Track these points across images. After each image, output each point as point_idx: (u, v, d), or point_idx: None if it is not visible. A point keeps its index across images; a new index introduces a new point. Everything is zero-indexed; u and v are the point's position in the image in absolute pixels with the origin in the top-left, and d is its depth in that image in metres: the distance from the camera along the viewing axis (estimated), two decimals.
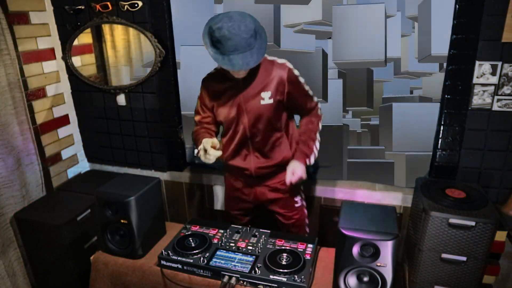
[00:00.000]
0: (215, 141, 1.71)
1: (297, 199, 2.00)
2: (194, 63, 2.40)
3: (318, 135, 1.88)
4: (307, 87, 1.81)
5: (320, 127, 1.89)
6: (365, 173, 2.37)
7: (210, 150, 1.67)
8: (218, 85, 1.80)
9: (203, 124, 1.92)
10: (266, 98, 1.72)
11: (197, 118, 1.95)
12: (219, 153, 1.69)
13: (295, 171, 1.79)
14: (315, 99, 1.87)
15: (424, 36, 2.03)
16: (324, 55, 2.21)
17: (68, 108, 2.66)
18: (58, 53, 2.52)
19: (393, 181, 2.33)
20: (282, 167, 1.87)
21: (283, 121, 1.84)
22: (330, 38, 2.18)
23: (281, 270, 1.54)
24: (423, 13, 2.00)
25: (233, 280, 1.56)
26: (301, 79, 1.78)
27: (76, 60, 2.55)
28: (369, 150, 2.33)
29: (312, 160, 1.85)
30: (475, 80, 1.95)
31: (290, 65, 1.75)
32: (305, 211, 2.06)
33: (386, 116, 2.23)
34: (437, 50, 2.02)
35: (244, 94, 1.74)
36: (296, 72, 1.76)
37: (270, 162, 1.87)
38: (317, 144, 1.88)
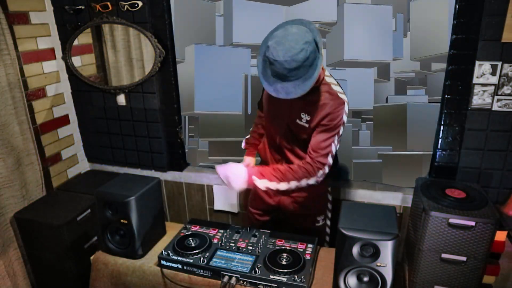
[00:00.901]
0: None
1: (320, 218, 1.95)
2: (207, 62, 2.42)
3: (282, 185, 1.63)
4: (336, 142, 1.60)
5: (296, 185, 1.64)
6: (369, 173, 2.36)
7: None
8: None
9: (258, 124, 2.00)
10: (304, 120, 1.63)
11: (258, 112, 2.03)
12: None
13: (227, 173, 1.63)
14: (329, 160, 1.62)
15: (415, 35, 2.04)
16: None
17: (68, 108, 2.66)
18: (58, 53, 2.52)
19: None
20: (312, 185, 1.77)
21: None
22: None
23: (281, 270, 1.54)
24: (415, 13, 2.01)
25: (233, 280, 1.56)
26: (341, 130, 1.60)
27: (76, 60, 2.55)
28: (367, 150, 2.32)
29: (258, 183, 1.64)
30: (475, 80, 1.95)
31: (346, 107, 1.58)
32: (327, 230, 1.98)
33: (385, 115, 2.23)
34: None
35: (290, 104, 1.63)
36: (344, 118, 1.58)
37: None
38: (273, 185, 1.65)
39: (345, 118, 1.60)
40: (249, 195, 2.12)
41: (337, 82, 1.68)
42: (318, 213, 1.94)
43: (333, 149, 1.63)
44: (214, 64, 2.38)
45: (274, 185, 1.65)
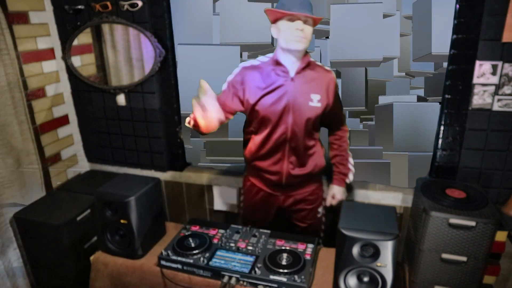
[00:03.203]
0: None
1: (320, 209, 1.98)
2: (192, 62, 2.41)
3: (349, 151, 1.94)
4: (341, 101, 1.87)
5: (349, 140, 1.95)
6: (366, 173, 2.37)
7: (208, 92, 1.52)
8: (265, 77, 1.72)
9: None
10: (315, 100, 1.71)
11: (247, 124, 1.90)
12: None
13: (336, 196, 1.89)
14: (344, 114, 1.93)
15: (419, 35, 2.03)
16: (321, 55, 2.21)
17: (68, 108, 2.66)
18: (58, 53, 2.52)
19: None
20: (312, 177, 1.86)
21: (317, 129, 1.84)
22: (327, 37, 2.18)
23: (281, 270, 1.54)
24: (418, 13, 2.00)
25: (233, 280, 1.56)
26: (339, 92, 1.84)
27: (76, 60, 2.54)
28: (367, 150, 2.33)
29: (351, 178, 1.93)
30: (475, 80, 1.94)
31: (334, 75, 1.80)
32: (323, 219, 2.03)
33: (384, 115, 2.23)
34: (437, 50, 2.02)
35: (294, 92, 1.70)
36: (337, 83, 1.80)
37: (303, 171, 1.82)
38: (351, 160, 1.94)
39: (337, 83, 1.80)
40: (244, 208, 2.05)
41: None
42: (318, 205, 1.97)
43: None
44: (201, 63, 2.37)
45: (352, 162, 1.94)
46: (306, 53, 1.74)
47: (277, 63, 1.70)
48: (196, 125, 1.64)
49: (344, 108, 2.27)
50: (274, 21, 1.66)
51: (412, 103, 2.16)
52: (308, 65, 1.72)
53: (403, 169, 2.29)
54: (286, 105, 1.71)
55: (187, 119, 1.69)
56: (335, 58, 2.19)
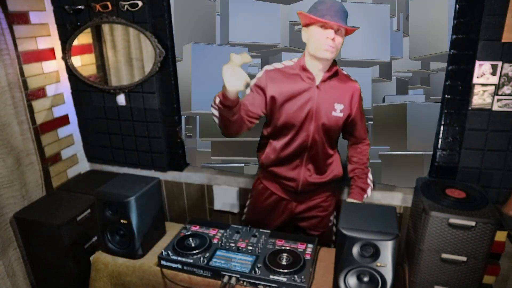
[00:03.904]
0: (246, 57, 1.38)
1: (332, 217, 1.97)
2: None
3: (369, 167, 1.90)
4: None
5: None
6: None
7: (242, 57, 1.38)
8: (290, 81, 1.67)
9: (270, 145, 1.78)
10: (338, 110, 1.69)
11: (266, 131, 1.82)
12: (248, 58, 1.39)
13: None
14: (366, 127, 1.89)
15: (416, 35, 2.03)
16: None
17: (68, 108, 2.66)
18: (58, 53, 2.52)
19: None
20: (328, 184, 1.84)
21: (337, 138, 1.82)
22: None
23: (281, 270, 1.54)
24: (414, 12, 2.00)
25: (233, 280, 1.56)
26: (363, 104, 1.79)
27: (76, 60, 2.54)
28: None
29: (370, 194, 1.89)
30: (475, 80, 1.94)
31: (359, 85, 1.75)
32: (334, 228, 2.00)
33: (391, 115, 2.23)
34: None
35: (318, 99, 1.66)
36: (361, 94, 1.76)
37: (320, 179, 1.80)
38: (371, 175, 1.90)
39: (361, 94, 1.77)
40: (251, 211, 2.01)
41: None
42: (331, 213, 1.95)
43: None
44: (211, 63, 2.37)
45: (371, 177, 1.91)
46: (334, 61, 1.68)
47: (304, 68, 1.64)
48: (224, 100, 1.47)
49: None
50: (306, 25, 1.60)
51: (424, 103, 2.15)
52: (335, 74, 1.69)
53: (417, 169, 2.27)
54: (309, 112, 1.67)
55: (216, 99, 1.53)
56: (340, 57, 2.18)
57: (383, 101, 2.23)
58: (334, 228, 1.99)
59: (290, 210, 1.90)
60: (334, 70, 1.67)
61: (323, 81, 1.66)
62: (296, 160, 1.76)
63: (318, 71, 1.64)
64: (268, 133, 1.78)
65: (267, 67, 1.72)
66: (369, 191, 1.89)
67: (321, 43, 1.55)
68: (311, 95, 1.65)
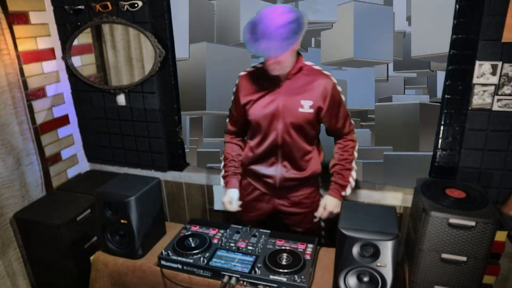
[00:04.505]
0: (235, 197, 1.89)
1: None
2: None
3: (354, 164, 1.81)
4: (346, 107, 1.77)
5: (356, 155, 1.82)
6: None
7: (234, 203, 1.86)
8: (257, 83, 1.73)
9: (233, 140, 1.93)
10: (306, 106, 1.67)
11: (229, 125, 1.93)
12: (239, 205, 1.88)
13: (327, 207, 1.79)
14: (352, 122, 1.82)
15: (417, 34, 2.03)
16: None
17: (68, 108, 2.66)
18: (58, 53, 2.52)
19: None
20: (308, 180, 1.83)
21: (315, 135, 1.80)
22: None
23: (281, 270, 1.54)
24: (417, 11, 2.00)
25: (233, 280, 1.56)
26: (343, 97, 1.74)
27: (76, 60, 2.54)
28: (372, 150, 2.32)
29: (349, 192, 1.82)
30: (475, 80, 1.94)
31: (334, 79, 1.71)
32: (322, 224, 1.99)
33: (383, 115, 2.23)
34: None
35: (283, 98, 1.68)
36: (339, 88, 1.71)
37: (298, 175, 1.80)
38: (354, 174, 1.81)
39: (339, 88, 1.72)
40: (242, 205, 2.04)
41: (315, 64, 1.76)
42: (314, 209, 1.91)
43: (349, 113, 1.80)
44: (224, 63, 2.37)
45: (354, 176, 1.82)
46: (299, 55, 1.69)
47: (265, 68, 1.66)
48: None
49: (351, 108, 2.26)
50: None
51: (435, 103, 2.15)
52: (299, 70, 1.68)
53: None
54: (275, 111, 1.69)
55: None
56: (342, 57, 2.17)
57: (391, 101, 2.21)
58: (322, 224, 1.98)
59: (273, 206, 1.92)
60: (298, 67, 1.67)
61: (288, 79, 1.67)
62: (271, 157, 1.80)
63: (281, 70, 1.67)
64: (247, 134, 1.88)
65: (241, 73, 1.81)
66: (348, 189, 1.81)
67: (267, 65, 1.61)
68: (276, 94, 1.69)
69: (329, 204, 1.80)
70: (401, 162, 2.28)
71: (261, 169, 1.83)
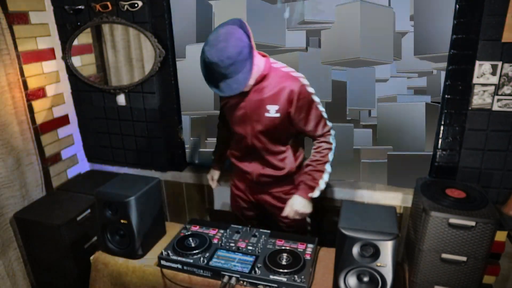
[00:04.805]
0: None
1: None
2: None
3: (328, 167, 1.76)
4: (321, 109, 1.72)
5: (331, 158, 1.77)
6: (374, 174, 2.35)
7: (214, 183, 2.15)
8: None
9: (223, 129, 2.04)
10: (272, 111, 1.67)
11: (219, 117, 2.06)
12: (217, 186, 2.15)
13: (293, 206, 1.77)
14: (328, 124, 1.77)
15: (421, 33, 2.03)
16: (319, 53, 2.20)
17: (68, 108, 2.66)
18: (58, 53, 2.52)
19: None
20: (286, 178, 1.84)
21: (289, 136, 1.78)
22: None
23: (281, 270, 1.54)
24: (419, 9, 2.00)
25: (233, 280, 1.56)
26: (315, 99, 1.70)
27: (76, 60, 2.55)
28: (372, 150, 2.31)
29: (317, 194, 1.78)
30: (475, 80, 1.95)
31: (305, 81, 1.68)
32: (308, 219, 2.01)
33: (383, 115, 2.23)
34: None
35: (250, 104, 1.70)
36: (310, 89, 1.68)
37: (276, 173, 1.83)
38: (326, 176, 1.77)
39: (310, 89, 1.68)
40: (231, 204, 2.15)
41: (285, 64, 1.75)
42: None
43: (325, 115, 1.75)
44: None
45: (325, 178, 1.77)
46: (264, 56, 1.69)
47: None
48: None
49: (354, 108, 2.26)
50: None
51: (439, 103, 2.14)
52: (266, 76, 1.67)
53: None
54: (244, 115, 1.74)
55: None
56: (342, 57, 2.17)
57: (395, 101, 2.21)
58: (307, 219, 2.01)
59: (256, 199, 1.98)
60: (262, 76, 1.66)
61: (254, 84, 1.67)
62: (248, 156, 1.86)
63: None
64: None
65: None
66: (316, 191, 1.77)
67: None
68: (245, 99, 1.71)
69: (295, 203, 1.78)
70: (406, 162, 2.27)
71: (242, 165, 1.89)
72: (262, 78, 1.67)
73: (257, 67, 1.61)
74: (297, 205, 1.78)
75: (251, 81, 1.62)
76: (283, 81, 1.66)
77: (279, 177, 1.84)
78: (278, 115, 1.68)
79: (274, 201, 1.93)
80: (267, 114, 1.69)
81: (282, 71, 1.69)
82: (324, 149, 1.76)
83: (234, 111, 1.77)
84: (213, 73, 1.53)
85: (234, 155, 1.92)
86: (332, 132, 1.78)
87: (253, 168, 1.86)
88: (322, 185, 1.77)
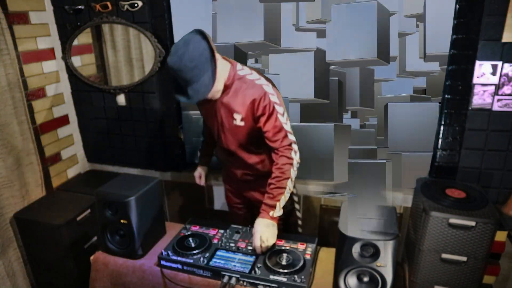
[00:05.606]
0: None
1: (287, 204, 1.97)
2: None
3: (289, 183, 1.65)
4: (283, 120, 1.64)
5: (293, 174, 1.66)
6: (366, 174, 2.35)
7: (202, 180, 2.16)
8: (207, 100, 1.71)
9: (207, 138, 2.07)
10: (238, 119, 1.68)
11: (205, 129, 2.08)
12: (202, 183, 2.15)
13: (256, 233, 1.62)
14: (290, 138, 1.67)
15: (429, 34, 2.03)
16: (321, 54, 2.20)
17: (68, 108, 2.66)
18: (58, 53, 2.52)
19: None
20: (267, 176, 1.79)
21: (263, 142, 1.71)
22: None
23: (281, 270, 1.54)
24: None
25: (233, 280, 1.56)
26: (278, 109, 1.63)
27: (76, 60, 2.55)
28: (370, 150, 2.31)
29: (278, 213, 1.65)
30: (475, 80, 1.95)
31: (268, 89, 1.62)
32: (297, 213, 2.03)
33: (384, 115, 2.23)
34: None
35: (220, 112, 1.73)
36: (272, 98, 1.62)
37: (256, 172, 1.87)
38: (287, 194, 1.66)
39: (274, 98, 1.63)
40: (227, 202, 2.19)
41: (253, 71, 1.70)
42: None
43: (287, 127, 1.67)
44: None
45: (286, 195, 1.67)
46: (232, 66, 1.66)
47: None
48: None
49: (354, 107, 2.26)
50: None
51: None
52: (232, 83, 1.65)
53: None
54: (216, 123, 1.77)
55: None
56: (336, 58, 2.18)
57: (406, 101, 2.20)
58: (298, 214, 2.04)
59: (245, 195, 2.02)
60: (229, 83, 1.65)
61: (222, 93, 1.68)
62: (230, 157, 1.87)
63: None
64: None
65: None
66: (277, 210, 1.65)
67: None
68: (214, 108, 1.73)
69: (259, 230, 1.62)
70: (417, 162, 2.26)
71: (226, 164, 1.96)
72: (228, 87, 1.66)
73: (221, 69, 1.59)
74: (261, 231, 1.62)
75: (219, 85, 1.61)
76: (247, 88, 1.64)
77: (261, 175, 1.86)
78: (242, 123, 1.68)
79: (262, 197, 1.87)
80: (234, 122, 1.70)
81: (247, 79, 1.66)
82: (283, 165, 1.65)
83: (208, 119, 1.83)
84: (180, 81, 1.55)
85: (219, 155, 1.99)
86: (294, 146, 1.68)
87: (236, 167, 1.90)
88: (282, 201, 1.66)
